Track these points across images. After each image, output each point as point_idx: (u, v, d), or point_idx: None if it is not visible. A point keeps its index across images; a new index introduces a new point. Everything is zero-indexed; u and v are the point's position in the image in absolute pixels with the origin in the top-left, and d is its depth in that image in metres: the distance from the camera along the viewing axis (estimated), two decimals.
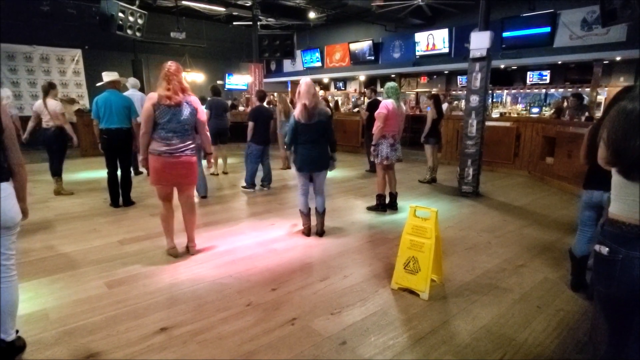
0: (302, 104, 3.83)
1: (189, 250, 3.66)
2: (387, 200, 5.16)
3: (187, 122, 3.33)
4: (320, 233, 4.19)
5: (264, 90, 7.00)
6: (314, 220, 4.24)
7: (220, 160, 7.55)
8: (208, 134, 3.61)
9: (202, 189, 5.70)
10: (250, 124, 6.00)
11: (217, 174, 7.49)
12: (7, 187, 2.06)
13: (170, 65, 3.33)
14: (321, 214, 4.20)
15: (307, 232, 4.20)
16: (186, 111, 3.30)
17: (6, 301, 2.10)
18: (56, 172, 5.82)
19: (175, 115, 3.26)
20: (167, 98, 3.22)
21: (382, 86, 10.97)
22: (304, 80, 3.92)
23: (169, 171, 3.33)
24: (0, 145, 2.04)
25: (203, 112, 3.50)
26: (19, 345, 2.21)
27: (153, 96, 3.25)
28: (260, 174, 6.32)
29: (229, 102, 10.06)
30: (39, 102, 5.52)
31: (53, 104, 5.53)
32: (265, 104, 6.56)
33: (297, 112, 3.88)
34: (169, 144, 3.28)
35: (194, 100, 3.39)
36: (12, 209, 2.06)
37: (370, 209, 5.15)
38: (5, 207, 2.02)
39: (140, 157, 3.45)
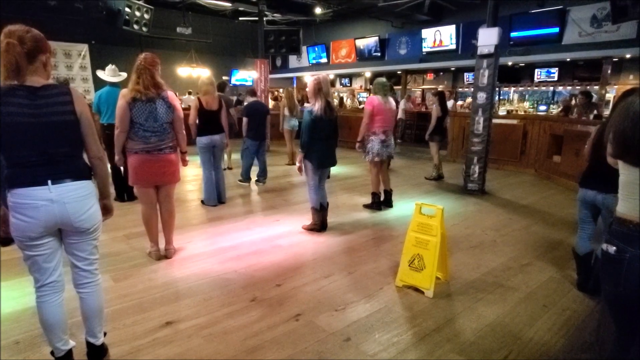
0: (326, 100, 3.84)
1: (167, 255, 3.46)
2: (382, 197, 5.14)
3: (165, 121, 3.16)
4: (326, 226, 4.25)
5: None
6: None
7: (225, 156, 7.57)
8: (184, 132, 3.41)
9: (222, 195, 5.33)
10: (245, 120, 6.01)
11: (225, 169, 7.51)
12: (86, 186, 1.86)
13: (145, 56, 3.09)
14: (326, 207, 4.26)
15: (319, 229, 4.21)
16: (162, 109, 3.12)
17: (92, 306, 2.00)
18: None
19: (152, 114, 3.08)
20: (137, 92, 3.02)
21: None
22: (322, 76, 3.91)
23: (148, 169, 3.19)
24: (77, 137, 1.84)
25: (180, 109, 3.29)
26: (105, 347, 2.11)
27: (126, 93, 3.05)
28: (255, 169, 6.31)
29: (234, 98, 10.08)
30: None
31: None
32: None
33: (318, 109, 3.84)
34: (146, 142, 3.13)
35: (171, 96, 3.18)
36: (89, 210, 1.85)
37: (366, 206, 5.14)
38: (82, 208, 1.82)
39: (116, 157, 3.33)
